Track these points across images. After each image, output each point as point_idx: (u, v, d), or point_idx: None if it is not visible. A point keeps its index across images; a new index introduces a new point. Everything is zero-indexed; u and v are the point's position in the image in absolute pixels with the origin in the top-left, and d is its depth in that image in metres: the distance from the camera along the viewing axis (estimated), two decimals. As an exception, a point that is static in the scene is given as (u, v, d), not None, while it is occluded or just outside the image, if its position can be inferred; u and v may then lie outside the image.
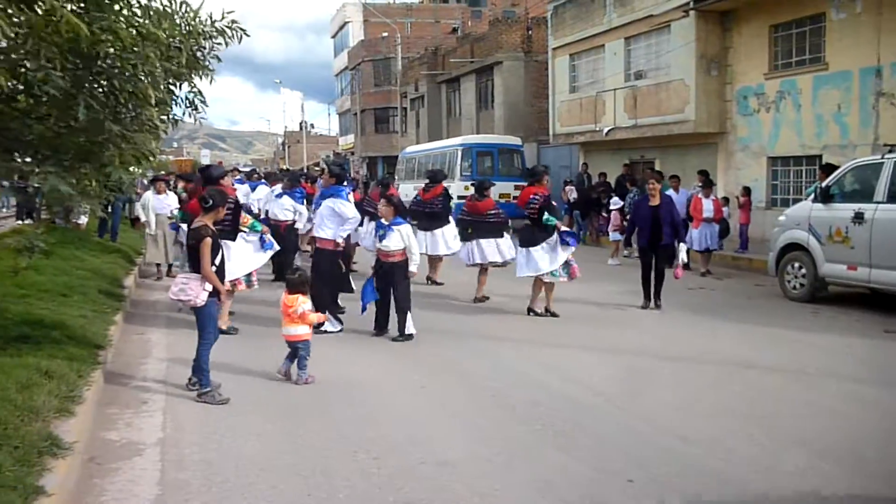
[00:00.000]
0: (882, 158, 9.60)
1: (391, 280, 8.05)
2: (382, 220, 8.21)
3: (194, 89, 6.04)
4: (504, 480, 4.46)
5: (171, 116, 6.23)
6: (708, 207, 13.52)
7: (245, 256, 8.47)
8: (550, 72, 24.52)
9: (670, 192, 14.01)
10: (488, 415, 5.65)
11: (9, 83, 4.80)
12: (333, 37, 59.20)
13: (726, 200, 15.05)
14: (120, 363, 7.07)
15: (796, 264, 10.65)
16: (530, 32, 30.63)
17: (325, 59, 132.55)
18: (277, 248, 9.06)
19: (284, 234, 11.43)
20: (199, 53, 5.74)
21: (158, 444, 5.02)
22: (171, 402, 5.95)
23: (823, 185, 10.42)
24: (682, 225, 10.04)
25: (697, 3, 17.30)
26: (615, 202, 16.03)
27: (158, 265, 12.71)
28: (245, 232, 8.44)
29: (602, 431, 5.30)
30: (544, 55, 26.44)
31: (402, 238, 8.00)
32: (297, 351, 6.38)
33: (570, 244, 9.27)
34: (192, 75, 5.88)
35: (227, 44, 5.75)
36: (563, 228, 9.51)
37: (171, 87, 5.84)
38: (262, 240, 8.67)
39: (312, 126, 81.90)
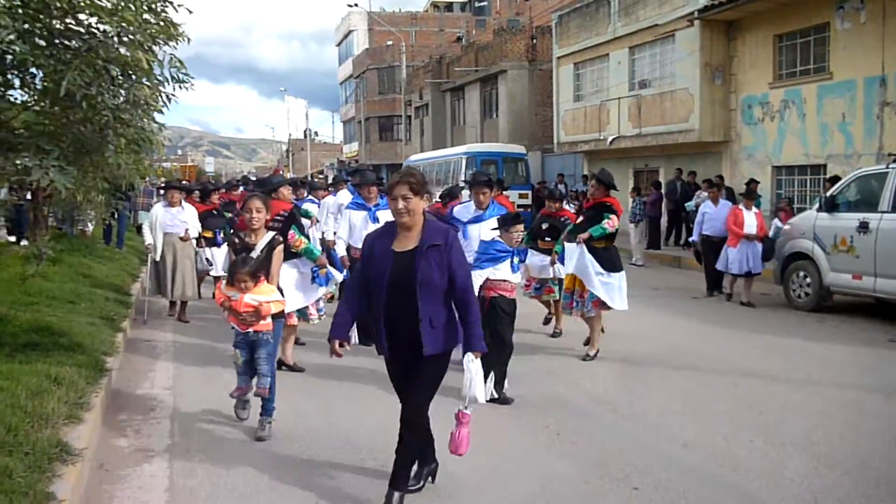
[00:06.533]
0: (887, 168, 9.62)
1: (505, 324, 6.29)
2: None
3: (175, 63, 5.97)
4: (509, 489, 4.49)
5: (162, 93, 6.10)
6: (751, 222, 11.08)
7: (296, 289, 7.02)
8: (555, 80, 24.58)
9: (706, 204, 12.18)
10: (494, 424, 5.67)
11: None
12: (338, 45, 59.46)
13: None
14: (128, 370, 7.13)
15: (801, 273, 10.66)
16: (535, 41, 30.75)
17: (329, 68, 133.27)
18: (339, 279, 7.24)
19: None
20: (167, 9, 5.75)
21: (167, 451, 5.06)
22: (179, 408, 5.99)
23: (828, 194, 10.44)
24: (475, 300, 4.27)
25: (702, 13, 17.35)
26: None
27: (173, 303, 10.02)
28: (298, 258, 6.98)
29: (607, 439, 5.32)
30: (549, 64, 26.53)
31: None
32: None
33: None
34: (169, 41, 5.88)
35: None
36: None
37: (154, 53, 5.79)
38: (314, 272, 7.01)
39: (316, 134, 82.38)
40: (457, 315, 4.12)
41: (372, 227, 8.54)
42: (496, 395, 6.11)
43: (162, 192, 11.09)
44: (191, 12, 5.89)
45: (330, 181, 16.79)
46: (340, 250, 8.31)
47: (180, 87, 6.11)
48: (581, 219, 7.73)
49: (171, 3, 5.72)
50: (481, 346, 4.08)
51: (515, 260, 6.30)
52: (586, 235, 7.39)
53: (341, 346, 4.19)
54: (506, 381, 6.32)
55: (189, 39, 6.00)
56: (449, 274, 4.01)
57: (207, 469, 4.74)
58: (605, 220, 7.38)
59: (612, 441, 5.29)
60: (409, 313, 3.96)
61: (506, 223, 6.27)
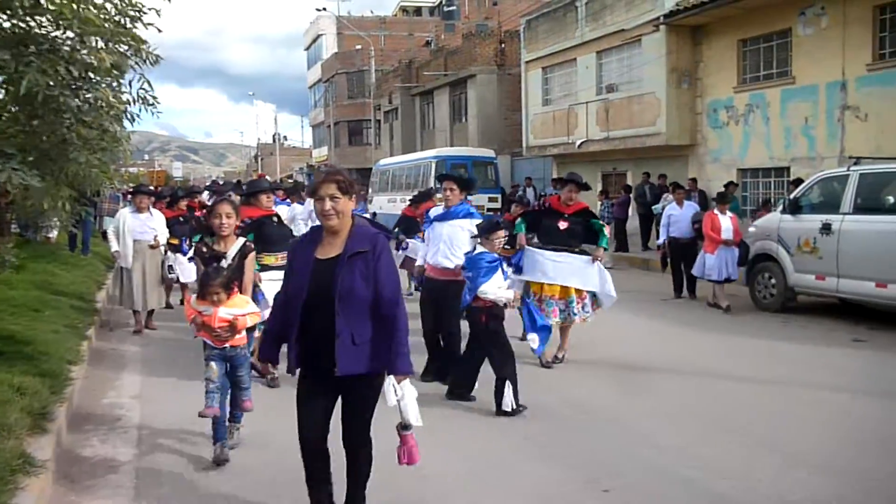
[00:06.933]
0: (848, 171, 9.79)
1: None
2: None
3: (144, 85, 5.77)
4: (482, 492, 4.48)
5: (127, 110, 5.89)
6: (727, 226, 10.76)
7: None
8: (523, 85, 24.70)
9: (672, 206, 12.20)
10: (468, 427, 5.68)
11: None
12: (307, 49, 59.13)
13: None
14: (94, 379, 7.01)
15: (766, 274, 10.81)
16: (503, 46, 30.87)
17: (298, 72, 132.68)
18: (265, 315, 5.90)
19: None
20: (136, 24, 5.60)
21: (133, 462, 4.98)
22: (146, 418, 5.90)
23: (792, 196, 10.61)
24: (404, 315, 3.70)
25: (668, 18, 17.56)
26: None
27: (136, 312, 9.40)
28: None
29: (579, 442, 5.34)
30: (517, 68, 26.64)
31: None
32: None
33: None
34: (136, 57, 5.69)
35: None
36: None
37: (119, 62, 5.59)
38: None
39: (286, 138, 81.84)
40: (380, 331, 3.63)
41: None
42: (515, 406, 5.92)
43: (129, 197, 10.71)
44: (160, 31, 5.72)
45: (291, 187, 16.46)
46: None
47: (146, 110, 5.96)
48: (565, 225, 7.57)
49: (140, 20, 5.56)
50: (405, 369, 3.65)
51: (505, 267, 6.27)
52: (601, 252, 7.68)
53: (269, 363, 4.04)
54: (476, 386, 6.35)
55: (158, 58, 5.82)
56: (375, 284, 3.60)
57: (174, 479, 4.67)
58: (605, 228, 7.81)
59: (584, 443, 5.32)
60: (329, 328, 3.55)
61: (486, 231, 6.18)
